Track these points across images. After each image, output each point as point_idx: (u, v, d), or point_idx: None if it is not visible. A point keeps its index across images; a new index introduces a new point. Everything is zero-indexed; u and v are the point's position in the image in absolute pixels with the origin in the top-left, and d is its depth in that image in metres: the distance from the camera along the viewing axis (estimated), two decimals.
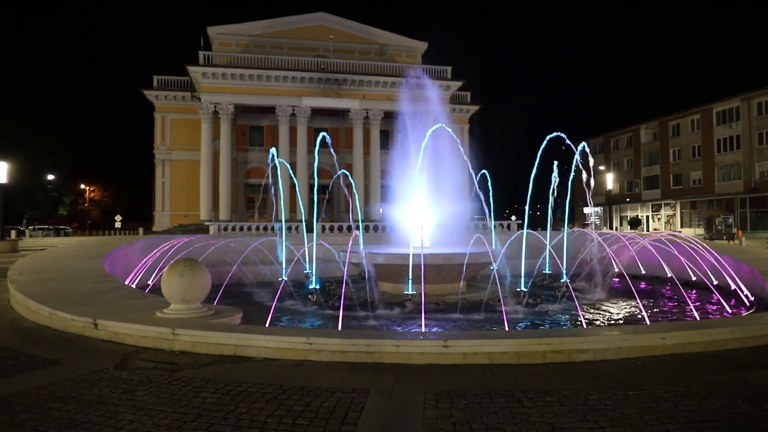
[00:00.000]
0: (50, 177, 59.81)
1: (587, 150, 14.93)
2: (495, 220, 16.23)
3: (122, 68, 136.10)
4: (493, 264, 13.12)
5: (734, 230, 45.38)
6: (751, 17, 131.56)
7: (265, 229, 30.23)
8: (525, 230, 14.72)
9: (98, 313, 7.47)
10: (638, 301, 11.39)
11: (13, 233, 37.64)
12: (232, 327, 7.05)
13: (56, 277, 11.22)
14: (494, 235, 16.51)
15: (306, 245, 15.89)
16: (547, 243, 15.58)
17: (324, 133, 16.60)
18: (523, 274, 13.76)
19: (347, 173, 23.38)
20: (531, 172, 14.90)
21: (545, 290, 14.50)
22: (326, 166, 45.23)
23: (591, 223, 67.23)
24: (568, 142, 14.55)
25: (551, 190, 15.54)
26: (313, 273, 15.80)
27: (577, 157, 15.00)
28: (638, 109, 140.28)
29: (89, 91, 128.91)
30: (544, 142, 14.58)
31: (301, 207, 20.07)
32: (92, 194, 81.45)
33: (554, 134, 14.61)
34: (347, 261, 12.87)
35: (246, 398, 4.67)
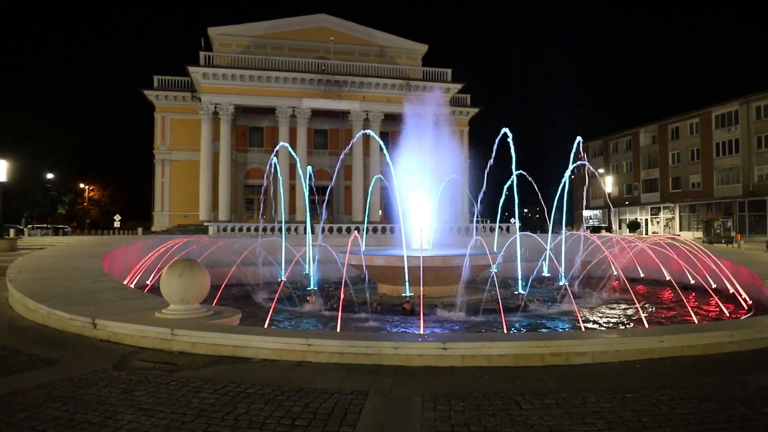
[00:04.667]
0: (49, 176, 59.65)
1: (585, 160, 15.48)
2: (495, 222, 16.32)
3: (123, 68, 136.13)
4: (492, 266, 13.13)
5: (733, 234, 45.39)
6: (751, 21, 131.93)
7: (264, 230, 30.18)
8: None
9: (97, 313, 7.47)
10: (636, 304, 11.40)
11: (11, 232, 37.53)
12: (231, 328, 7.06)
13: (55, 276, 11.21)
14: (496, 238, 16.55)
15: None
16: (547, 246, 15.61)
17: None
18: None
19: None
20: (532, 176, 15.21)
21: (543, 291, 14.51)
22: (326, 167, 45.27)
23: (590, 226, 67.30)
24: (581, 152, 15.35)
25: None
26: (311, 274, 15.83)
27: (585, 164, 15.43)
28: (638, 113, 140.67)
29: (89, 91, 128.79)
30: (576, 146, 15.29)
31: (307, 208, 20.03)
32: (91, 193, 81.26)
33: (578, 138, 15.81)
34: (346, 262, 12.88)
35: (244, 399, 4.67)
